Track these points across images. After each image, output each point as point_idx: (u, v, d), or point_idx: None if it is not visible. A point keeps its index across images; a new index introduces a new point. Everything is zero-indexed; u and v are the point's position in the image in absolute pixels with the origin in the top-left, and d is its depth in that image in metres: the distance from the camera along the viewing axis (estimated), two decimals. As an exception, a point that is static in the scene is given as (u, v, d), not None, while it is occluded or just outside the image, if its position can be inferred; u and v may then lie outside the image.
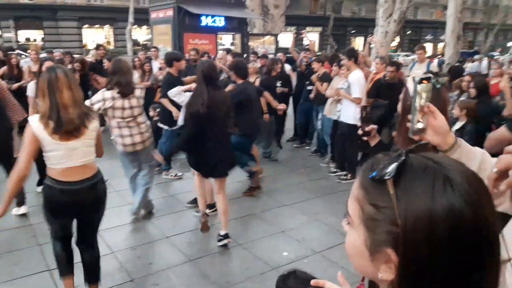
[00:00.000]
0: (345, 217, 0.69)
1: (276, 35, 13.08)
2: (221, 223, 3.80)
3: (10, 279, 3.19)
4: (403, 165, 0.60)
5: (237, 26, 11.54)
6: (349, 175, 5.55)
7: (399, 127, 1.89)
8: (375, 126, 2.07)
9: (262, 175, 5.31)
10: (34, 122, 2.35)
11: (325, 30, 32.84)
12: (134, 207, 4.18)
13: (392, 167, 0.60)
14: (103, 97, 3.68)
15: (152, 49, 9.31)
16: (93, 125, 2.52)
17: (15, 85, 6.77)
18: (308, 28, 30.28)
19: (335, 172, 5.78)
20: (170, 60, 5.20)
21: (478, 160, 1.17)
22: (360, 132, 2.06)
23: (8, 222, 4.16)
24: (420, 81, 1.11)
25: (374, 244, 0.62)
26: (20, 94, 6.75)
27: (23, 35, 27.05)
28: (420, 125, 1.13)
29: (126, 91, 3.74)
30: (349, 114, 5.33)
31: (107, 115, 3.78)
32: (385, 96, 5.35)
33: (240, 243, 3.82)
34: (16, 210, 4.27)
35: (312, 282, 0.96)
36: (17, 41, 25.47)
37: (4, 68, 6.90)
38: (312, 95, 6.58)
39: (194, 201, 4.38)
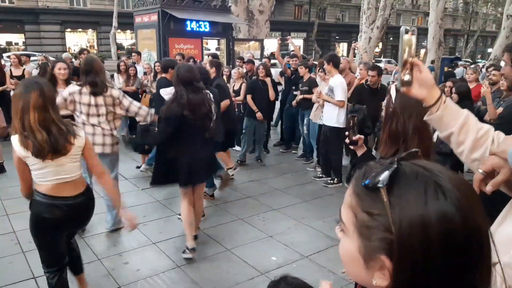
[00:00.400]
0: (338, 224, 0.70)
1: (261, 40, 13.14)
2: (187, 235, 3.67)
3: (-7, 288, 3.12)
4: (395, 173, 0.62)
5: (222, 31, 11.55)
6: (335, 179, 5.61)
7: (383, 131, 1.93)
8: (362, 136, 2.10)
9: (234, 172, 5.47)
10: (16, 144, 2.26)
11: (309, 35, 33.17)
12: (109, 224, 4.08)
13: (385, 175, 0.61)
14: (69, 92, 3.67)
15: (133, 54, 9.28)
16: (79, 141, 2.42)
17: (0, 89, 6.68)
18: (293, 34, 30.54)
19: (321, 177, 5.83)
20: (166, 67, 5.32)
21: (461, 120, 1.18)
22: (347, 141, 2.09)
23: (-10, 229, 4.08)
24: (406, 32, 1.11)
25: (368, 251, 0.63)
26: (4, 99, 6.68)
27: (3, 38, 26.55)
28: (406, 77, 1.14)
29: (97, 90, 3.69)
30: (331, 117, 5.41)
31: (75, 112, 3.72)
32: (367, 101, 5.44)
33: (228, 248, 3.81)
34: None
35: None
36: (-2, 45, 24.95)
37: None
38: (294, 103, 6.67)
39: None
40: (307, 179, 5.91)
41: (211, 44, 12.12)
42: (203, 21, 11.05)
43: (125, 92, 7.33)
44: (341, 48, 38.62)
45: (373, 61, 9.40)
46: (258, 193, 5.28)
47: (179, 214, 4.19)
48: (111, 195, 2.75)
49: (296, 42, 27.39)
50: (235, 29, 13.47)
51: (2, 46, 24.35)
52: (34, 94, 2.22)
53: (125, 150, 5.27)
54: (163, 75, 5.38)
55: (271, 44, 19.13)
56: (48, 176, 2.34)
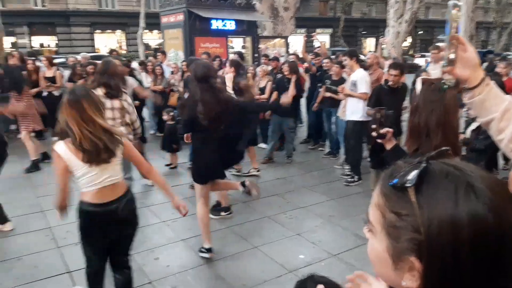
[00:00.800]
0: (366, 224, 0.69)
1: (286, 38, 13.07)
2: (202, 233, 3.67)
3: (30, 281, 3.25)
4: (424, 172, 0.60)
5: (247, 29, 11.56)
6: (356, 177, 5.52)
7: (408, 127, 1.89)
8: (390, 130, 2.05)
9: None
10: (62, 149, 2.27)
11: (335, 31, 32.76)
12: None
13: (413, 174, 0.60)
14: None
15: (158, 54, 9.43)
16: (120, 148, 2.43)
17: (34, 90, 6.95)
18: (318, 30, 30.23)
19: (348, 174, 5.76)
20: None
21: (504, 105, 1.13)
22: (374, 134, 2.05)
23: (26, 225, 4.25)
24: (454, 7, 1.07)
25: (397, 252, 0.62)
26: (38, 98, 6.97)
27: (37, 41, 27.50)
28: (452, 56, 1.10)
29: (112, 92, 3.74)
30: (353, 111, 5.36)
31: None
32: (386, 102, 5.15)
33: (256, 245, 3.83)
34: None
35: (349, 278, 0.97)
36: (31, 47, 25.88)
37: (24, 73, 7.06)
38: (315, 107, 6.63)
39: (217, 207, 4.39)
40: (334, 177, 5.85)
41: (236, 43, 12.15)
42: (228, 20, 11.11)
43: (153, 91, 7.51)
44: (368, 43, 37.93)
45: (400, 57, 9.15)
46: (285, 191, 5.27)
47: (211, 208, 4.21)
48: (163, 188, 2.77)
49: (322, 38, 27.09)
50: (260, 26, 13.46)
51: (35, 48, 25.25)
52: (84, 102, 2.24)
53: (155, 149, 5.40)
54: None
55: (297, 41, 19.03)
56: (93, 181, 2.34)
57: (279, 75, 6.74)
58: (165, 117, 6.14)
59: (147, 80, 8.09)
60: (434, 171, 0.61)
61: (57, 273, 3.35)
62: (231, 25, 11.20)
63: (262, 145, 7.23)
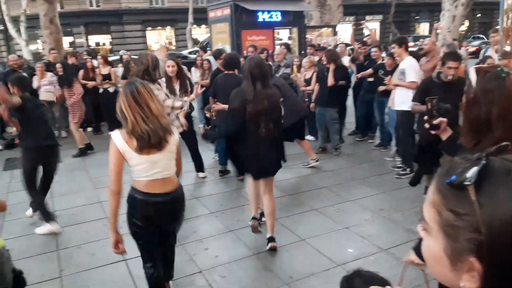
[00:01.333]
0: (421, 222, 0.67)
1: (334, 27, 12.79)
2: (268, 225, 3.69)
3: (88, 268, 3.47)
4: (484, 170, 0.57)
5: (294, 19, 11.44)
6: (408, 169, 5.30)
7: (466, 120, 1.76)
8: (444, 119, 1.94)
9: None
10: (117, 138, 2.37)
11: (386, 17, 31.49)
12: None
13: (473, 171, 0.57)
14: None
15: (200, 51, 9.67)
16: (173, 138, 2.50)
17: (91, 83, 7.54)
18: (367, 17, 29.26)
19: (400, 167, 5.55)
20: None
21: None
22: (427, 125, 1.95)
23: (85, 215, 4.52)
24: None
25: (455, 252, 0.60)
26: (95, 97, 7.53)
27: (93, 40, 28.97)
28: (507, 48, 1.02)
29: (152, 81, 3.96)
30: (402, 100, 5.11)
31: None
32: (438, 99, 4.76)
33: (303, 238, 3.81)
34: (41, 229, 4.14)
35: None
36: (88, 46, 27.31)
37: (81, 71, 7.55)
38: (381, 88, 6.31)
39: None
40: (385, 169, 5.67)
41: (283, 34, 12.06)
42: (275, 11, 11.05)
43: (202, 85, 7.66)
44: (422, 29, 36.14)
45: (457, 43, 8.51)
46: (333, 183, 5.19)
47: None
48: None
49: (372, 26, 26.21)
50: (307, 16, 13.27)
51: (91, 47, 26.62)
52: (140, 86, 2.37)
53: (203, 141, 5.51)
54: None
55: (345, 30, 18.54)
56: (144, 172, 2.43)
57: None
58: (207, 114, 6.20)
59: (196, 74, 8.25)
60: (494, 168, 0.58)
61: (113, 261, 3.53)
62: (277, 17, 11.13)
63: (309, 137, 7.16)
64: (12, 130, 4.28)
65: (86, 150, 6.89)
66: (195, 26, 28.17)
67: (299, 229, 3.98)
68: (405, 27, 34.07)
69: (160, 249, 2.69)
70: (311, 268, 3.33)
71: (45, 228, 4.08)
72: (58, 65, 6.99)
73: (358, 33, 13.84)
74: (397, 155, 5.82)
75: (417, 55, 6.05)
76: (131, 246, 3.59)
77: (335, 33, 12.74)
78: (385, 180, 5.25)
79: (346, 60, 7.74)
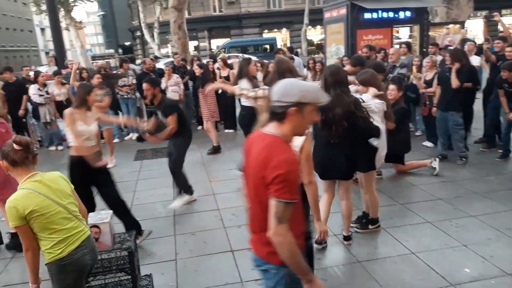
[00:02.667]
0: None
1: (462, 23, 11.61)
2: (345, 226, 3.81)
3: (200, 254, 3.74)
4: None
5: (415, 16, 10.69)
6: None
7: None
8: None
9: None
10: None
11: (527, 11, 27.50)
12: None
13: None
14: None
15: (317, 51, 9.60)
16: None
17: (215, 86, 8.11)
18: (504, 11, 25.91)
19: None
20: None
21: None
22: None
23: (200, 205, 4.89)
24: None
25: None
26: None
27: (214, 43, 31.11)
28: None
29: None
30: None
31: None
32: None
33: (413, 251, 3.56)
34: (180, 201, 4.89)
35: None
36: (210, 49, 29.43)
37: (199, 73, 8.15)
38: None
39: (358, 220, 4.21)
40: (517, 184, 4.97)
41: (402, 32, 11.36)
42: (395, 9, 10.49)
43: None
44: None
45: None
46: (452, 195, 4.73)
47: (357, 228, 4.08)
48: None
49: (508, 21, 23.10)
50: (431, 13, 12.29)
51: (213, 51, 28.60)
52: None
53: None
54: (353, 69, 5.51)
55: (475, 26, 16.71)
56: None
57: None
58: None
59: (309, 76, 8.32)
60: None
61: (222, 250, 3.77)
62: (397, 14, 10.55)
63: (427, 143, 6.65)
64: (144, 124, 4.89)
65: (219, 148, 7.22)
66: (310, 27, 28.28)
67: (410, 242, 3.73)
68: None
69: None
70: (420, 283, 3.10)
71: (183, 199, 4.88)
72: (196, 68, 7.60)
73: (493, 29, 12.31)
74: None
75: None
76: (238, 238, 3.81)
77: (463, 30, 11.56)
78: (516, 196, 4.61)
79: (475, 60, 6.99)
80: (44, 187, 2.19)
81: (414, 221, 4.17)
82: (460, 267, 3.28)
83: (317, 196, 2.50)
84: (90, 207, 3.70)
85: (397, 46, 8.11)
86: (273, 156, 1.64)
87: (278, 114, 1.73)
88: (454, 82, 5.47)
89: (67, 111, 3.82)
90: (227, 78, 8.31)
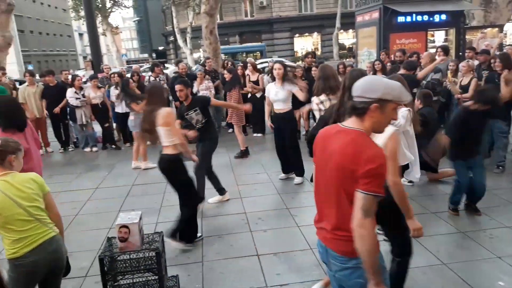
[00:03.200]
0: None
1: (501, 26, 11.18)
2: None
3: (226, 257, 3.77)
4: None
5: (451, 20, 10.40)
6: None
7: None
8: None
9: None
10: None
11: None
12: None
13: None
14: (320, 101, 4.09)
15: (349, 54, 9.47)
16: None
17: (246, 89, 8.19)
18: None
19: None
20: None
21: None
22: None
23: (227, 208, 4.93)
24: None
25: None
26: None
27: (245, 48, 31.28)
28: None
29: (333, 93, 3.93)
30: None
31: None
32: None
33: (445, 262, 3.45)
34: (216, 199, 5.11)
35: None
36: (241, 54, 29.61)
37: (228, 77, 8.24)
38: None
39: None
40: (559, 195, 4.73)
41: (437, 36, 11.07)
42: (431, 12, 10.24)
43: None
44: None
45: None
46: (488, 205, 4.55)
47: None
48: None
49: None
50: (468, 16, 11.91)
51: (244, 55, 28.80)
52: None
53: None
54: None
55: (516, 29, 16.01)
56: None
57: (484, 72, 5.84)
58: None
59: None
60: None
61: (247, 254, 3.78)
62: (431, 18, 10.29)
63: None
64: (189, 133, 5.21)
65: (247, 152, 7.22)
66: (342, 31, 27.99)
67: (441, 252, 3.62)
68: None
69: None
70: (451, 296, 3.00)
71: (216, 198, 5.14)
72: (225, 72, 7.69)
73: (533, 33, 11.79)
74: None
75: None
76: (263, 243, 3.79)
77: (501, 34, 11.14)
78: (558, 208, 4.38)
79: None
80: (10, 187, 2.28)
81: (446, 230, 4.04)
82: (493, 280, 3.15)
83: (403, 195, 2.37)
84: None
85: (433, 50, 7.91)
86: (363, 150, 1.67)
87: (358, 109, 1.73)
88: (505, 93, 5.18)
89: (169, 110, 3.83)
90: (256, 83, 8.34)
